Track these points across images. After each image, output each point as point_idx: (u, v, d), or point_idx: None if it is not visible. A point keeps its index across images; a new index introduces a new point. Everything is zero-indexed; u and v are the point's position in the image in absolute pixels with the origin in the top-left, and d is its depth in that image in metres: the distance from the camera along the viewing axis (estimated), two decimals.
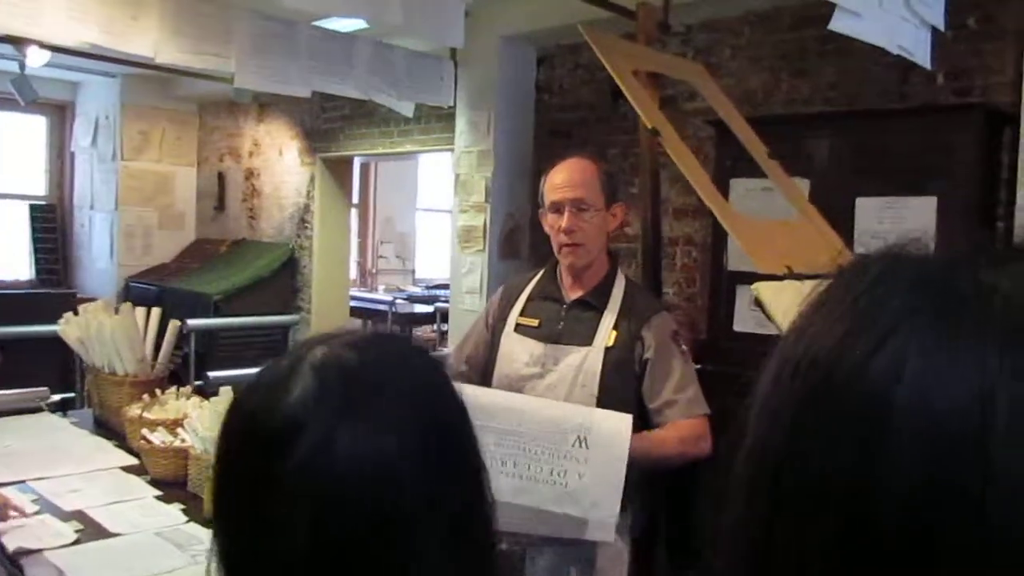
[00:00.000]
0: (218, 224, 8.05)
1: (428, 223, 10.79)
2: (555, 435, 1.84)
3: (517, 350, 2.25)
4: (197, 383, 4.78)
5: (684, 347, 2.26)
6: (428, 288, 9.50)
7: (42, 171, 8.35)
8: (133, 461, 2.74)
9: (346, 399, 0.75)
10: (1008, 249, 0.49)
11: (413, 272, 10.67)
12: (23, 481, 2.47)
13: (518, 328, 2.29)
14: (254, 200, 7.69)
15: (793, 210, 2.54)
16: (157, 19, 3.64)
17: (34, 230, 7.92)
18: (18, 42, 4.10)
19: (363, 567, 0.72)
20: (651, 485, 2.36)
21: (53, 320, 3.40)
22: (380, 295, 9.21)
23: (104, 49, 3.66)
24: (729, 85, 4.26)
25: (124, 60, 4.26)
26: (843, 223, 3.25)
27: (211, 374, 4.84)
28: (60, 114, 8.31)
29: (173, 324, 3.31)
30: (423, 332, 8.62)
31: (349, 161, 7.17)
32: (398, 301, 8.47)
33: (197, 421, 2.55)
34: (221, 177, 7.99)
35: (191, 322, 5.96)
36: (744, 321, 3.75)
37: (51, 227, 8.06)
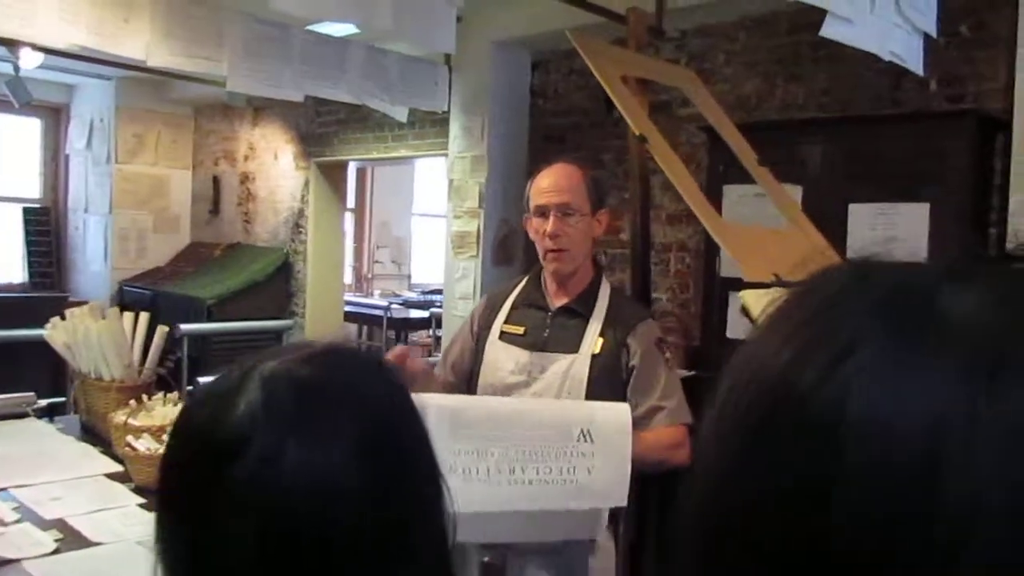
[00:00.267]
0: (213, 228, 8.03)
1: (424, 228, 10.77)
2: (559, 434, 1.83)
3: (502, 358, 2.22)
4: (189, 388, 4.77)
5: (668, 355, 2.24)
6: (424, 293, 9.48)
7: (36, 174, 8.33)
8: (118, 468, 2.71)
9: (294, 413, 0.73)
10: (974, 265, 0.47)
11: (409, 277, 10.65)
12: (4, 489, 2.44)
13: (503, 336, 2.26)
14: (249, 204, 7.67)
15: (784, 218, 2.52)
16: (148, 22, 3.62)
17: (28, 233, 7.90)
18: (11, 44, 4.08)
19: None
20: (640, 490, 2.33)
21: (45, 324, 3.38)
22: (376, 300, 9.19)
23: (95, 51, 3.64)
24: (723, 90, 4.25)
25: (119, 63, 4.24)
26: (836, 229, 3.24)
27: (202, 380, 4.81)
28: (55, 116, 8.30)
29: (161, 329, 3.29)
30: (419, 337, 8.61)
31: (344, 166, 7.16)
32: (394, 306, 8.45)
33: None
34: (216, 181, 7.97)
35: (184, 326, 5.94)
36: (737, 328, 3.73)
37: (45, 230, 8.04)
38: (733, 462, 0.46)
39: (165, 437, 2.61)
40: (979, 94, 3.50)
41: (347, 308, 7.81)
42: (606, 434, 1.86)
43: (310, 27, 4.24)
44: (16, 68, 5.08)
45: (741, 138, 2.54)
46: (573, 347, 2.17)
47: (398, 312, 8.26)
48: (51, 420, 3.32)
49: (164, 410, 2.86)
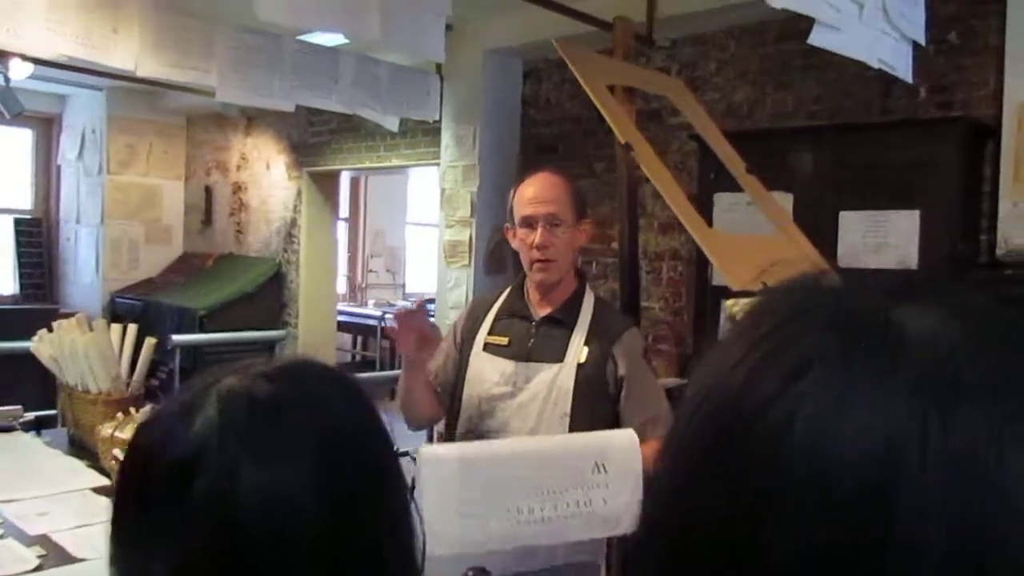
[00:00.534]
0: (205, 238, 8.01)
1: (418, 237, 10.76)
2: (575, 468, 1.82)
3: (487, 369, 2.20)
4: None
5: (653, 363, 2.26)
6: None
7: (28, 184, 8.31)
8: (105, 482, 2.68)
9: (249, 432, 0.71)
10: (931, 283, 0.46)
11: (403, 286, 10.64)
12: None
13: (487, 347, 2.24)
14: (241, 214, 7.66)
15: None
16: (137, 32, 3.61)
17: (19, 244, 7.87)
18: (0, 55, 4.07)
19: None
20: None
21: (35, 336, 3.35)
22: (370, 309, 9.17)
23: (84, 62, 3.63)
24: (714, 99, 4.25)
25: (110, 73, 4.23)
26: (827, 237, 3.24)
27: None
28: (46, 127, 8.28)
29: (149, 341, 3.26)
30: None
31: (336, 175, 7.15)
32: (387, 315, 8.42)
33: None
34: (208, 191, 7.96)
35: (176, 337, 5.92)
36: None
37: (36, 241, 8.01)
38: (685, 479, 0.45)
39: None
40: (968, 101, 3.51)
41: (341, 318, 7.79)
42: (619, 463, 1.85)
43: (300, 37, 4.23)
44: (6, 79, 5.07)
45: (729, 146, 2.53)
46: (558, 357, 2.16)
47: (392, 322, 8.22)
48: (38, 434, 3.28)
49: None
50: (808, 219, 2.60)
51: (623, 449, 1.88)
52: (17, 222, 7.95)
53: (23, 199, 8.28)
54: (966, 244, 3.36)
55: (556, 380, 2.12)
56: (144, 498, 0.73)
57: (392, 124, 4.66)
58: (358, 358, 9.52)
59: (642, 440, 2.09)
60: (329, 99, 4.26)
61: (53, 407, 4.70)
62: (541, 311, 2.24)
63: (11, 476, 2.68)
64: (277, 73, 3.99)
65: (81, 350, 3.06)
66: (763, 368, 0.42)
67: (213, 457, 0.70)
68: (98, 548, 2.16)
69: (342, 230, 8.15)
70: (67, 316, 3.54)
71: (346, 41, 4.59)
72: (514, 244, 2.26)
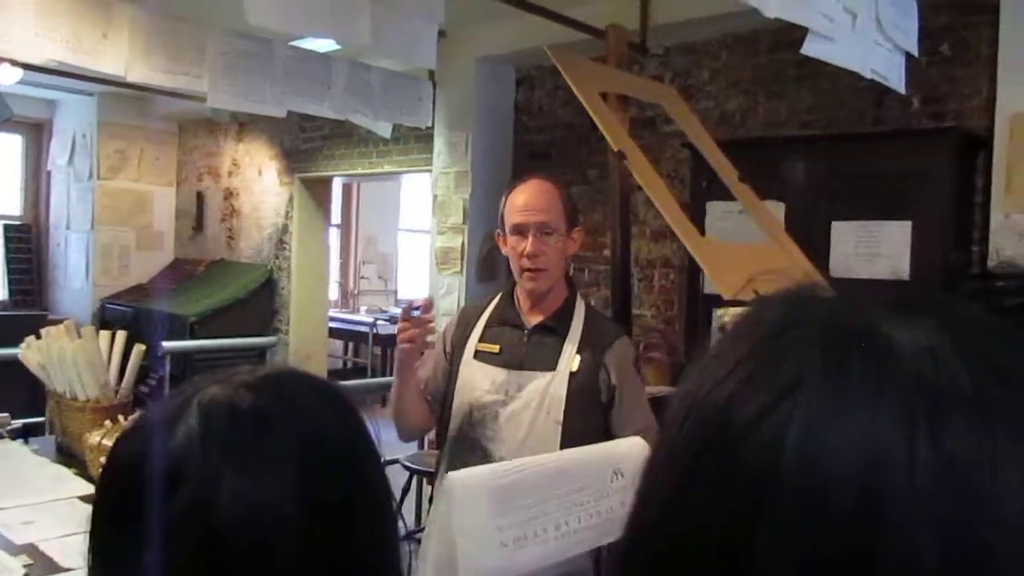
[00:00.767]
0: (196, 244, 7.98)
1: (410, 244, 10.74)
2: (598, 478, 1.81)
3: (478, 377, 2.19)
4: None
5: (642, 373, 2.25)
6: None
7: (17, 190, 8.27)
8: (93, 490, 2.66)
9: (231, 444, 0.70)
10: (920, 299, 0.45)
11: (395, 293, 10.61)
12: None
13: (478, 355, 2.22)
14: (233, 220, 7.63)
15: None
16: (127, 37, 3.59)
17: (8, 250, 7.83)
18: None
19: None
20: None
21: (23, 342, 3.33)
22: (362, 316, 9.15)
23: (74, 67, 3.61)
24: (707, 107, 4.25)
25: (101, 78, 4.21)
26: (819, 247, 3.24)
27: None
28: (36, 132, 8.24)
29: (138, 348, 3.24)
30: None
31: (328, 181, 7.14)
32: (379, 322, 8.41)
33: None
34: (200, 197, 7.93)
35: (166, 344, 5.89)
36: None
37: (26, 247, 7.98)
38: (675, 488, 0.44)
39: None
40: (960, 112, 3.51)
41: (332, 324, 7.77)
42: (634, 466, 1.85)
43: (292, 43, 4.22)
44: None
45: (721, 154, 2.53)
46: (550, 365, 2.14)
47: (384, 328, 8.21)
48: (26, 441, 3.26)
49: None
50: (800, 229, 2.60)
51: (636, 454, 1.88)
52: (6, 228, 7.92)
53: (12, 205, 8.24)
54: (958, 255, 3.36)
55: (549, 388, 2.11)
56: (124, 510, 0.71)
57: (384, 130, 4.65)
58: (350, 365, 9.50)
59: None
60: (321, 105, 4.24)
61: (41, 414, 4.67)
62: (532, 319, 2.22)
63: None
64: (269, 79, 3.98)
65: (69, 357, 3.04)
66: (753, 381, 0.42)
67: (195, 468, 0.68)
68: (86, 557, 2.14)
69: (334, 236, 8.13)
70: (56, 322, 3.52)
71: (338, 47, 4.58)
72: (504, 251, 2.25)
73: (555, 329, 2.19)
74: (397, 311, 9.42)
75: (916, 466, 0.37)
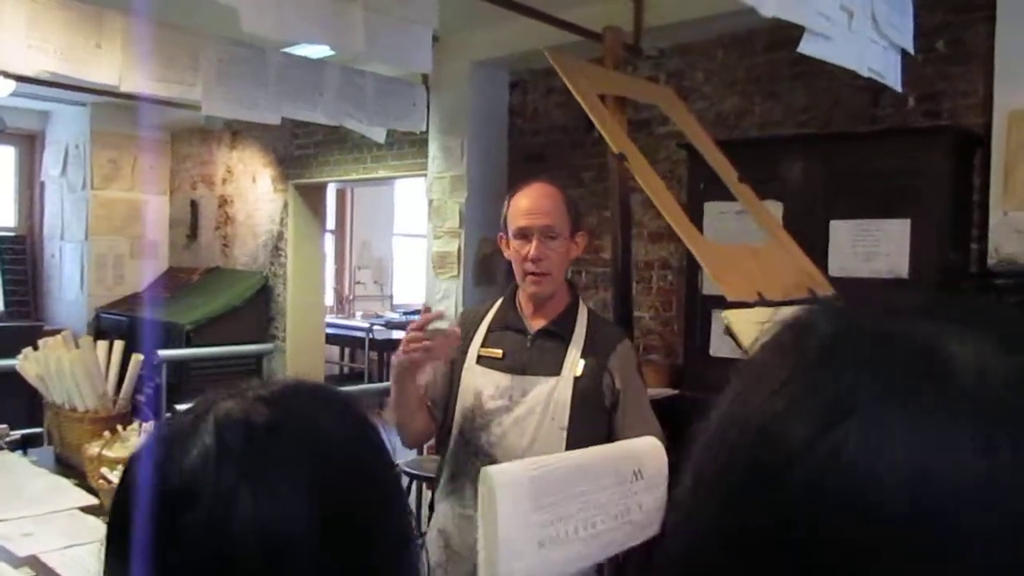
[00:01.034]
0: (191, 252, 7.96)
1: (405, 248, 10.73)
2: (619, 480, 1.79)
3: (481, 383, 2.17)
4: (168, 416, 4.67)
5: (644, 377, 2.25)
6: (406, 314, 9.44)
7: (11, 201, 8.24)
8: (93, 501, 2.65)
9: (247, 461, 0.69)
10: (972, 310, 0.44)
11: (391, 298, 10.60)
12: None
13: (480, 360, 2.20)
14: (227, 228, 7.61)
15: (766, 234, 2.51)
16: (121, 46, 3.57)
17: (3, 262, 7.81)
18: None
19: None
20: None
21: (20, 354, 3.31)
22: (357, 321, 9.14)
23: (66, 77, 3.60)
24: (702, 108, 4.25)
25: (93, 89, 4.20)
26: (817, 246, 3.23)
27: (180, 407, 4.72)
28: (29, 144, 8.22)
29: (136, 358, 3.22)
30: None
31: (322, 187, 7.12)
32: (375, 327, 8.40)
33: None
34: (194, 205, 7.91)
35: (162, 353, 5.86)
36: (720, 346, 3.71)
37: (20, 258, 7.95)
38: (717, 512, 0.43)
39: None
40: (956, 110, 3.52)
41: (328, 330, 7.75)
42: (651, 467, 1.84)
43: (285, 50, 4.21)
44: None
45: (721, 155, 2.52)
46: (554, 370, 2.13)
47: (380, 333, 8.20)
48: (25, 452, 3.24)
49: (139, 441, 2.79)
50: (798, 228, 2.59)
51: (652, 454, 1.87)
52: (1, 240, 7.89)
53: (6, 216, 8.21)
54: (957, 253, 3.37)
55: (553, 393, 2.10)
56: (140, 528, 0.70)
57: (378, 135, 4.64)
58: (346, 370, 9.48)
59: None
60: (315, 111, 4.23)
61: (38, 425, 4.66)
62: (535, 323, 2.21)
63: None
64: (262, 86, 3.97)
65: (67, 368, 3.03)
66: (804, 401, 0.41)
67: (210, 486, 0.67)
68: (88, 569, 2.12)
69: (328, 242, 8.11)
70: (52, 333, 3.50)
71: (332, 53, 4.57)
72: (507, 255, 2.23)
73: (558, 334, 2.18)
74: (393, 316, 9.44)
75: (999, 492, 0.36)
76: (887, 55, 2.68)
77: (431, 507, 2.31)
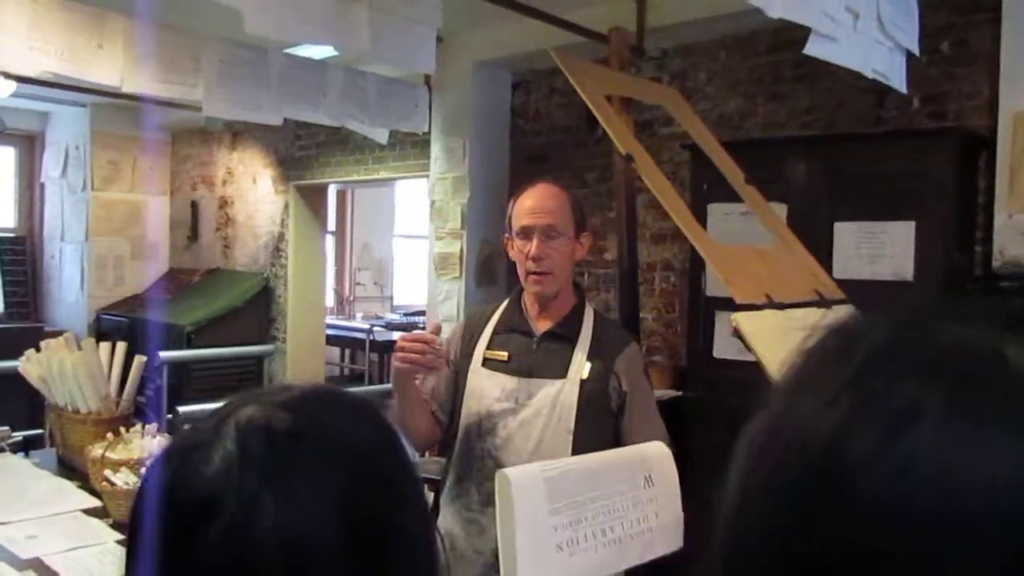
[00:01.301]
0: (191, 254, 7.95)
1: (405, 249, 10.72)
2: (631, 485, 1.77)
3: (487, 385, 2.16)
4: (169, 418, 4.67)
5: (651, 379, 2.24)
6: (406, 315, 9.42)
7: (11, 203, 8.23)
8: (96, 503, 2.64)
9: (270, 469, 0.68)
10: (1011, 310, 0.43)
11: (391, 299, 10.58)
12: None
13: (486, 363, 2.20)
14: (228, 229, 7.60)
15: (770, 236, 2.50)
16: (122, 47, 3.56)
17: (3, 263, 7.80)
18: None
19: None
20: None
21: (21, 355, 3.30)
22: (358, 323, 9.11)
23: (68, 78, 3.59)
24: (705, 109, 4.24)
25: (94, 89, 4.19)
26: (821, 248, 3.22)
27: (181, 409, 4.72)
28: (29, 145, 8.21)
29: (138, 359, 3.22)
30: None
31: (323, 188, 7.11)
32: (376, 328, 8.38)
33: None
34: (194, 206, 7.90)
35: (163, 354, 5.85)
36: (724, 348, 3.70)
37: (20, 259, 7.94)
38: (773, 526, 0.42)
39: (144, 471, 2.56)
40: (960, 111, 3.51)
41: (328, 331, 7.74)
42: (661, 475, 1.82)
43: (287, 50, 4.20)
44: None
45: (727, 156, 2.51)
46: (560, 372, 2.12)
47: (381, 335, 8.19)
48: (27, 454, 3.23)
49: (142, 443, 2.79)
50: (802, 230, 2.57)
51: (661, 461, 1.85)
52: (1, 241, 7.88)
53: (6, 217, 8.20)
54: (962, 255, 3.36)
55: (560, 396, 2.09)
56: (159, 540, 0.69)
57: (381, 136, 4.63)
58: (346, 372, 9.46)
59: None
60: (317, 112, 4.23)
61: (39, 427, 4.66)
62: (540, 325, 2.20)
63: (0, 498, 2.63)
64: (264, 87, 3.96)
65: (70, 370, 3.02)
66: (859, 416, 0.40)
67: (233, 493, 0.66)
68: (92, 571, 2.12)
69: (328, 243, 8.09)
70: (52, 335, 3.49)
71: (334, 54, 4.57)
72: (512, 255, 2.22)
73: (564, 336, 2.17)
74: (393, 317, 9.42)
75: None
76: (892, 56, 2.67)
77: (435, 509, 2.30)
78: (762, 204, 2.43)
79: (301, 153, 6.82)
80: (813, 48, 2.28)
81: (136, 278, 7.88)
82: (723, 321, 3.67)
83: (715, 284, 3.72)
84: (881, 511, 0.37)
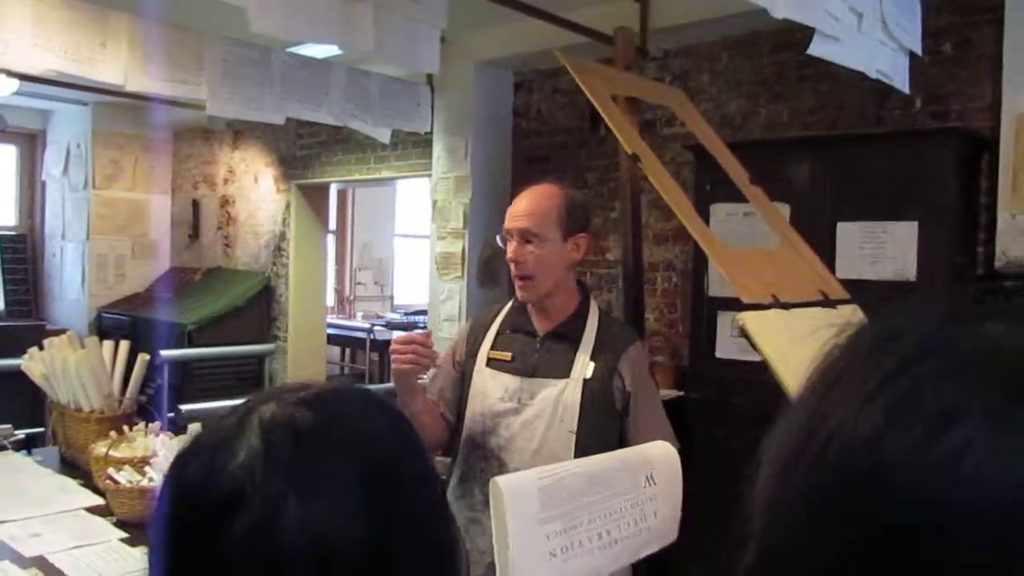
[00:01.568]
0: (193, 252, 7.95)
1: (406, 249, 10.72)
2: (631, 484, 1.77)
3: (491, 385, 2.17)
4: (170, 416, 4.67)
5: (656, 379, 2.24)
6: (407, 314, 9.43)
7: (12, 201, 8.23)
8: (99, 501, 2.64)
9: (295, 465, 0.68)
10: None
11: (391, 298, 10.58)
12: None
13: (490, 363, 2.20)
14: (229, 228, 7.60)
15: (773, 236, 2.50)
16: (126, 46, 3.56)
17: (4, 261, 7.79)
18: None
19: None
20: None
21: (22, 353, 3.30)
22: (358, 322, 9.12)
23: (72, 77, 3.59)
24: (707, 110, 4.24)
25: (95, 88, 4.19)
26: (824, 248, 3.22)
27: (183, 407, 4.71)
28: (30, 143, 8.21)
29: (142, 358, 3.22)
30: None
31: (325, 188, 7.11)
32: (376, 328, 8.38)
33: (165, 460, 2.45)
34: (196, 205, 7.90)
35: (164, 353, 5.84)
36: (726, 348, 3.70)
37: (21, 258, 7.94)
38: (809, 524, 0.42)
39: (147, 469, 2.56)
40: (963, 112, 3.51)
41: (329, 331, 7.74)
42: (664, 473, 1.83)
43: (291, 49, 4.20)
44: None
45: (732, 157, 2.51)
46: (563, 372, 2.12)
47: (381, 334, 8.19)
48: (29, 453, 3.23)
49: (145, 441, 2.79)
50: (805, 230, 2.57)
51: (665, 459, 1.86)
52: (1, 239, 7.88)
53: (7, 215, 8.20)
54: (964, 256, 3.36)
55: (562, 396, 2.09)
56: (182, 538, 0.69)
57: (383, 136, 4.63)
58: (347, 371, 9.47)
59: None
60: (320, 111, 4.23)
61: (40, 425, 4.66)
62: (543, 325, 2.20)
63: (3, 496, 2.64)
64: (267, 86, 3.96)
65: (73, 368, 3.02)
66: (900, 415, 0.39)
67: (258, 491, 0.66)
68: (96, 569, 2.12)
69: (329, 243, 8.09)
70: (54, 333, 3.50)
71: (337, 53, 4.57)
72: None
73: (567, 336, 2.17)
74: (394, 316, 9.42)
75: None
76: (895, 57, 2.67)
77: None
78: (768, 205, 2.44)
79: (303, 152, 6.82)
80: (817, 48, 2.29)
81: (137, 277, 7.88)
82: (725, 321, 3.68)
83: (717, 284, 3.72)
84: (925, 508, 0.37)
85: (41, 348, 3.19)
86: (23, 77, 4.35)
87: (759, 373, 1.80)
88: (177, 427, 3.34)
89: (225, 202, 7.63)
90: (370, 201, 10.24)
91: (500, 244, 2.21)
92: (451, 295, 5.14)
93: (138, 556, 2.23)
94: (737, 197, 2.63)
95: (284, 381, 3.15)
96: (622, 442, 2.09)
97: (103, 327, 7.12)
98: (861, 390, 0.41)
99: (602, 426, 2.10)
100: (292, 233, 6.98)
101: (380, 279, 10.54)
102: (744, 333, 1.68)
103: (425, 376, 2.21)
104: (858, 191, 3.42)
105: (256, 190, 7.31)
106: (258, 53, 3.93)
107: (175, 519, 0.71)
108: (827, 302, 2.06)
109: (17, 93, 5.02)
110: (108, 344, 3.20)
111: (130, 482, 2.54)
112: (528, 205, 2.15)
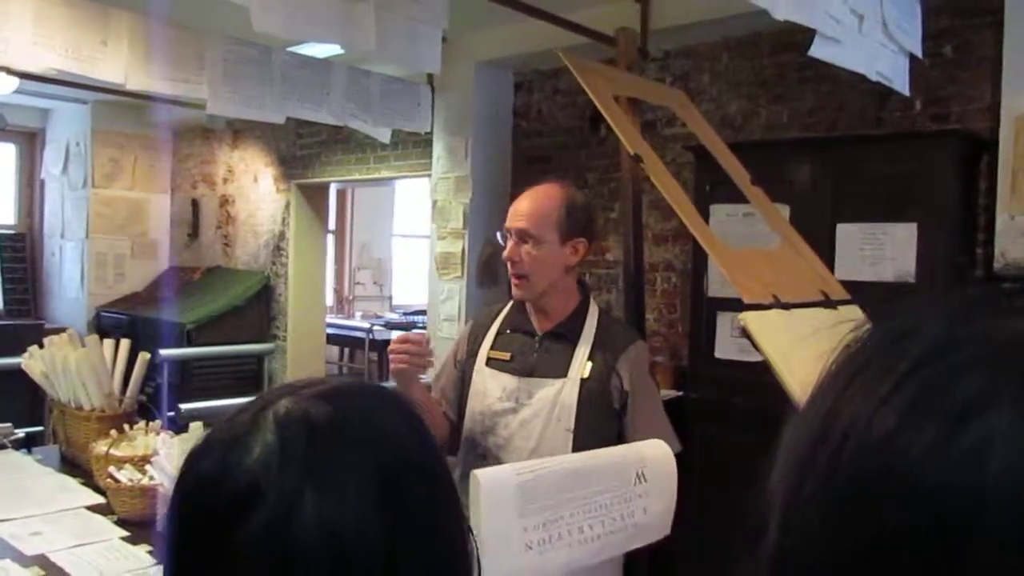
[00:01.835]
0: (192, 252, 7.95)
1: (405, 249, 10.73)
2: (620, 481, 1.78)
3: (490, 385, 2.18)
4: (170, 415, 4.67)
5: (657, 379, 2.24)
6: (405, 314, 9.44)
7: (11, 199, 8.22)
8: (100, 500, 2.65)
9: (310, 460, 0.68)
10: None
11: (390, 298, 10.60)
12: None
13: (489, 362, 2.21)
14: (228, 227, 7.60)
15: (773, 237, 2.51)
16: (127, 44, 3.56)
17: (2, 260, 7.78)
18: None
19: None
20: None
21: (21, 352, 3.30)
22: (357, 322, 9.13)
23: (72, 75, 3.59)
24: (708, 111, 4.25)
25: (95, 86, 4.18)
26: (824, 249, 3.23)
27: (183, 406, 4.73)
28: (30, 141, 8.20)
29: (142, 356, 3.22)
30: None
31: (325, 188, 7.11)
32: (375, 328, 8.40)
33: (166, 458, 2.46)
34: (195, 204, 7.90)
35: (164, 352, 5.86)
36: (726, 348, 3.70)
37: (20, 256, 7.93)
38: (832, 523, 0.42)
39: (148, 467, 2.56)
40: (963, 114, 3.52)
41: (328, 330, 7.74)
42: (656, 471, 1.83)
43: (291, 49, 4.20)
44: None
45: (733, 158, 2.52)
46: (561, 372, 2.13)
47: (380, 334, 8.20)
48: (29, 451, 3.24)
49: (146, 440, 2.79)
50: (805, 231, 2.58)
51: (659, 457, 1.86)
52: (1, 237, 7.87)
53: (6, 214, 8.19)
54: (963, 257, 3.37)
55: (559, 395, 2.10)
56: (197, 535, 0.69)
57: (383, 136, 4.63)
58: (345, 370, 9.47)
59: None
60: (320, 111, 4.23)
61: (40, 423, 4.66)
62: (542, 325, 2.21)
63: (3, 495, 2.64)
64: (268, 85, 3.96)
65: (73, 366, 3.02)
66: (919, 410, 0.39)
67: (274, 486, 0.66)
68: (98, 567, 2.12)
69: (328, 242, 8.10)
70: (53, 332, 3.50)
71: (338, 52, 4.57)
72: None
73: (566, 335, 2.18)
74: (393, 316, 9.42)
75: None
76: (896, 59, 2.68)
77: None
78: (768, 206, 2.44)
79: (303, 152, 6.82)
80: (817, 50, 2.29)
81: (136, 276, 7.87)
82: (725, 322, 3.68)
83: (717, 285, 3.73)
84: (950, 500, 0.37)
85: (41, 346, 3.19)
86: (23, 75, 4.35)
87: (758, 373, 1.81)
88: (178, 426, 3.34)
89: (225, 201, 7.63)
90: (369, 201, 10.26)
91: (501, 241, 2.21)
92: (451, 295, 5.14)
93: (139, 555, 2.23)
94: (737, 198, 2.63)
95: (283, 381, 3.15)
96: (620, 441, 2.10)
97: (102, 326, 7.12)
98: (880, 386, 0.41)
99: (600, 425, 2.11)
100: (291, 233, 6.98)
101: (379, 279, 10.56)
102: (746, 333, 1.69)
103: (426, 376, 2.21)
104: (858, 192, 3.42)
105: (256, 190, 7.31)
106: (259, 52, 3.93)
107: (189, 515, 0.71)
108: (828, 302, 2.06)
109: (16, 91, 5.01)
110: (108, 343, 3.20)
111: (131, 481, 2.54)
112: (529, 206, 2.16)
